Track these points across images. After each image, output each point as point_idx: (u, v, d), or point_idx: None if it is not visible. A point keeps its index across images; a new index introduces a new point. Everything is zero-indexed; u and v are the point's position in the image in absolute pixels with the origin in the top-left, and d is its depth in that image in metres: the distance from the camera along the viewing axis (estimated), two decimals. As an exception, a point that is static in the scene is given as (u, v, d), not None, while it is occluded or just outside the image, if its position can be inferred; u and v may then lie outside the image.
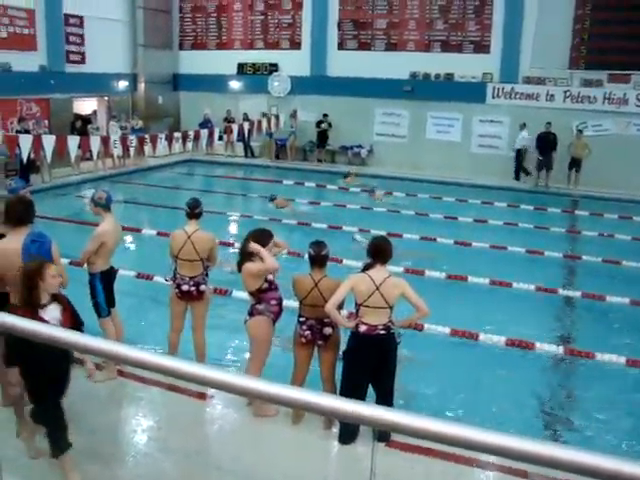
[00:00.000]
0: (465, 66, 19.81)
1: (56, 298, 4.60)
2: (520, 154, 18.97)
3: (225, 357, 7.41)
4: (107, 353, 2.05)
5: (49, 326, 1.93)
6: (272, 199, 15.12)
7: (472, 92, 19.67)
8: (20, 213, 5.21)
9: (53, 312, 4.51)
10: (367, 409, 1.83)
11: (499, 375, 7.16)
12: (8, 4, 17.74)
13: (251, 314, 5.75)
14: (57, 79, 19.33)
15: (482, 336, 7.71)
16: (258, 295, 5.70)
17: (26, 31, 18.43)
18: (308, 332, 5.57)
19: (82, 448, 4.83)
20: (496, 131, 19.72)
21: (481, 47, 19.80)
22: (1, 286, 5.22)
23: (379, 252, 5.35)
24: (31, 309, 4.36)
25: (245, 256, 5.73)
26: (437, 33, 20.31)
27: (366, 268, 5.36)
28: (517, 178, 19.21)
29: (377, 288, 5.12)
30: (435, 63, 20.22)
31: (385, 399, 5.31)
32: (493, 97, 19.63)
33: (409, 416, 1.75)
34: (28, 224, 5.27)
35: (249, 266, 5.67)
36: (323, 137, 21.38)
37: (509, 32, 19.19)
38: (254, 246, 5.66)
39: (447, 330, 7.77)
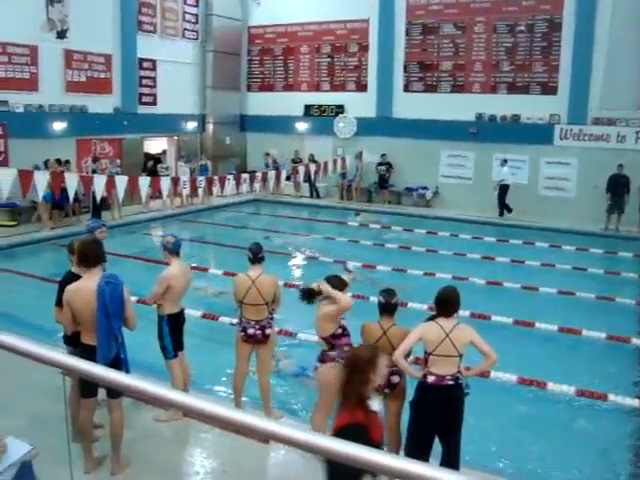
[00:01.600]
0: (532, 107, 19.58)
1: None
2: (501, 190, 18.99)
3: (290, 401, 7.39)
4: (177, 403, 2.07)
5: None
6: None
7: (539, 134, 19.41)
8: (95, 254, 5.35)
9: (375, 405, 3.90)
10: (432, 471, 1.78)
11: (569, 427, 6.94)
12: (89, 50, 18.62)
13: (322, 360, 5.69)
14: (130, 120, 20.07)
15: (551, 385, 7.48)
16: (331, 341, 5.65)
17: (103, 75, 19.28)
18: (375, 380, 5.49)
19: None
20: (564, 173, 19.33)
21: (548, 88, 19.55)
22: (75, 325, 5.36)
23: (447, 304, 5.22)
24: (363, 406, 3.65)
25: (311, 295, 5.72)
26: (503, 75, 20.19)
27: (432, 317, 5.29)
28: (501, 214, 19.13)
29: (447, 335, 5.05)
30: (501, 105, 20.07)
31: (451, 454, 5.18)
32: (561, 139, 19.30)
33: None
34: (102, 264, 5.42)
35: (325, 309, 5.62)
36: (383, 178, 21.44)
37: (577, 73, 18.88)
38: (325, 287, 5.65)
39: (514, 378, 7.57)
